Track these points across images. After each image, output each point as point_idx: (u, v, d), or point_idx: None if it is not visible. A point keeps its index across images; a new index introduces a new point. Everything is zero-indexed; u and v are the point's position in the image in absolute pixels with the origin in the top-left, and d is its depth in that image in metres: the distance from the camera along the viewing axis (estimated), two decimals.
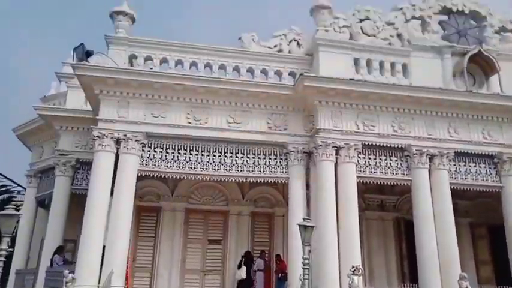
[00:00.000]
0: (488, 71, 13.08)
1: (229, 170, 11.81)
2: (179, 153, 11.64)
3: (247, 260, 12.87)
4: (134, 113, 11.55)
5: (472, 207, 15.37)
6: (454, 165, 12.58)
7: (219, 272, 13.63)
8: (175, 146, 11.69)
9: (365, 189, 14.34)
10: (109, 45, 11.94)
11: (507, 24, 13.93)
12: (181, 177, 12.11)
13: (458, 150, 12.50)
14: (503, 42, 13.72)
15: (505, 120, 12.86)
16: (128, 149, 11.24)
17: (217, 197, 14.43)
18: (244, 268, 12.62)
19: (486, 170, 12.80)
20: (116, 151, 11.29)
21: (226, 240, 13.89)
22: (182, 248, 13.55)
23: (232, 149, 11.96)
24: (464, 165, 12.73)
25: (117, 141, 11.31)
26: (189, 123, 11.75)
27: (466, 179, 12.63)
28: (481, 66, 13.12)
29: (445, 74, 12.92)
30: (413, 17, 13.32)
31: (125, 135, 11.29)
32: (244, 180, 12.11)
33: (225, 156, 11.89)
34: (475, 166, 12.78)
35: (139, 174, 11.34)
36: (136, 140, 11.33)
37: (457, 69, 12.93)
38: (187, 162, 11.59)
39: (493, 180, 12.75)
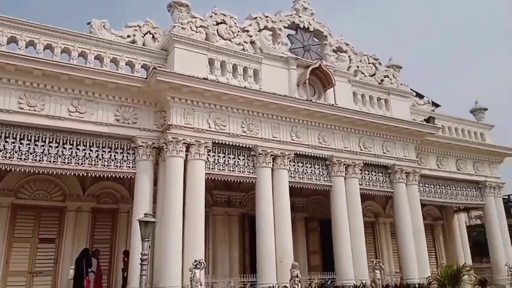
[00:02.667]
0: (326, 84, 14.70)
1: (68, 162, 10.89)
2: (6, 141, 10.28)
3: (83, 258, 11.98)
4: None
5: (307, 204, 17.18)
6: (294, 165, 13.82)
7: (51, 272, 12.53)
8: (1, 133, 10.29)
9: (213, 185, 14.79)
10: None
11: (343, 45, 15.91)
12: (8, 169, 10.66)
13: (298, 152, 13.76)
14: (340, 60, 15.61)
15: (336, 128, 14.60)
16: None
17: (52, 192, 13.17)
18: (72, 268, 11.77)
19: (320, 171, 14.37)
20: None
21: (61, 239, 12.79)
22: (6, 249, 12.01)
23: (73, 140, 11.08)
24: (302, 166, 14.09)
25: None
26: (21, 108, 10.44)
27: (303, 178, 13.98)
28: (321, 79, 14.70)
29: (291, 83, 14.10)
30: (266, 28, 14.19)
31: None
32: (86, 174, 11.31)
33: (64, 148, 10.92)
34: (310, 167, 14.24)
35: None
36: None
37: (301, 79, 14.25)
38: (16, 152, 10.31)
39: (325, 180, 14.38)
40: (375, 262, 14.24)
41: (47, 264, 12.59)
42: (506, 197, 44.00)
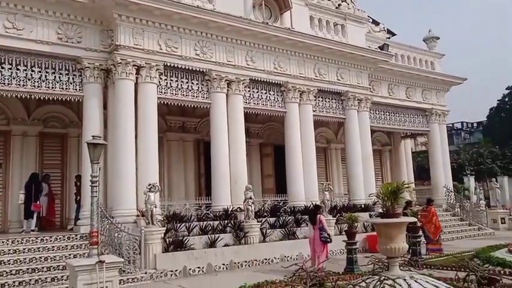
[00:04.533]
0: (282, 7, 14.25)
1: (8, 84, 10.25)
2: None
3: (31, 183, 11.69)
4: None
5: (262, 130, 17.44)
6: (249, 91, 13.74)
7: (0, 197, 12.26)
8: None
9: (167, 111, 14.60)
10: None
11: None
12: None
13: (253, 78, 13.62)
14: None
15: (292, 54, 14.44)
16: None
17: None
18: (22, 192, 11.55)
19: (275, 97, 14.42)
20: None
21: (8, 164, 12.39)
22: None
23: (12, 60, 10.34)
24: (257, 92, 14.04)
25: None
26: None
27: (258, 104, 14.01)
28: (277, 1, 14.20)
29: (246, 4, 13.55)
30: None
31: None
32: (29, 96, 10.71)
33: (2, 68, 10.21)
34: (266, 93, 14.23)
35: None
36: None
37: (257, 1, 13.69)
38: None
39: (280, 106, 14.48)
40: (324, 184, 14.96)
41: None
42: (451, 125, 46.80)
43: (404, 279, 5.77)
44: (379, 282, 5.49)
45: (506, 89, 41.76)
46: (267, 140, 17.53)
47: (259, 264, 11.15)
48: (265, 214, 12.96)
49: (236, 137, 13.11)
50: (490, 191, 22.98)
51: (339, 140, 19.32)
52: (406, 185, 7.73)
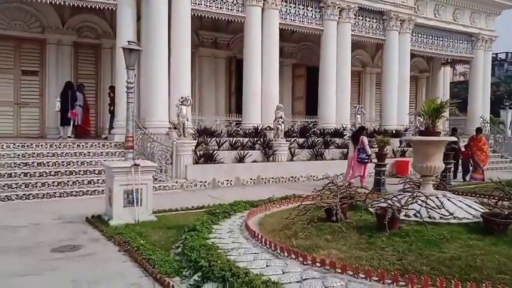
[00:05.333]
0: None
1: None
2: None
3: (67, 90, 11.85)
4: None
5: (296, 50, 16.83)
6: (285, 6, 13.11)
7: (37, 104, 12.66)
8: None
9: (200, 25, 14.18)
10: None
11: None
12: None
13: None
14: None
15: None
16: None
17: (30, 23, 12.42)
18: (58, 100, 11.78)
19: (312, 14, 13.74)
20: None
21: (44, 72, 12.57)
22: None
23: None
24: (294, 7, 13.40)
25: None
26: None
27: (294, 20, 13.41)
28: None
29: None
30: None
31: None
32: (62, 3, 10.47)
33: None
34: (303, 9, 13.56)
35: None
36: None
37: None
38: None
39: (317, 24, 13.84)
40: (357, 108, 14.69)
41: (32, 96, 12.62)
42: (494, 55, 43.96)
43: (437, 197, 5.75)
44: (411, 198, 5.49)
45: None
46: (300, 61, 16.97)
47: (286, 181, 11.40)
48: (294, 134, 12.97)
49: (270, 54, 12.74)
50: None
51: (375, 64, 18.54)
52: (450, 103, 7.42)
